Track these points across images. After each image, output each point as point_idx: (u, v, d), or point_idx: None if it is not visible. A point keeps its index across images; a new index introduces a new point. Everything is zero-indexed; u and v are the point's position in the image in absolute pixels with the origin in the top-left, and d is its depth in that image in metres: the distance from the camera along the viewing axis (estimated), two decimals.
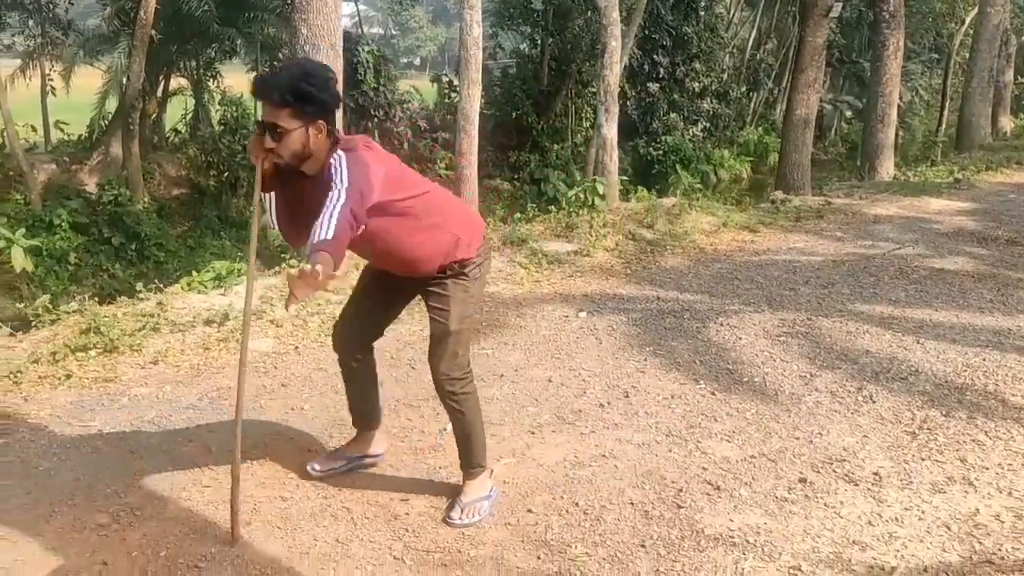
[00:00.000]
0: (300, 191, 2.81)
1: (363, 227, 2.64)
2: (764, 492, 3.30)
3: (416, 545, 2.93)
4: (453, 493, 3.22)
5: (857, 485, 3.34)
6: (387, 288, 3.16)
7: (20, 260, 5.90)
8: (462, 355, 3.06)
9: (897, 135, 16.27)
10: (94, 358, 4.48)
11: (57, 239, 13.48)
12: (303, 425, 3.85)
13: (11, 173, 15.05)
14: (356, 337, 3.28)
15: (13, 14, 18.59)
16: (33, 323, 5.10)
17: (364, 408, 3.42)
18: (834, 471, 3.46)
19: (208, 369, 4.51)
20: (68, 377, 4.24)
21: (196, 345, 4.78)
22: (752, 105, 25.96)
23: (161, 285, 5.78)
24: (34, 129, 18.54)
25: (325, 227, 2.47)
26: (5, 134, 15.30)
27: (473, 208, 3.09)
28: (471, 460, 3.16)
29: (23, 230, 6.25)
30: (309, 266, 2.28)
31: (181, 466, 3.40)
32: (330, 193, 2.56)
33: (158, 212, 16.03)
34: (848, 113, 25.85)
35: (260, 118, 2.74)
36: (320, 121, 2.68)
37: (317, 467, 3.37)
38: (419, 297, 3.16)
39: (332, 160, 2.68)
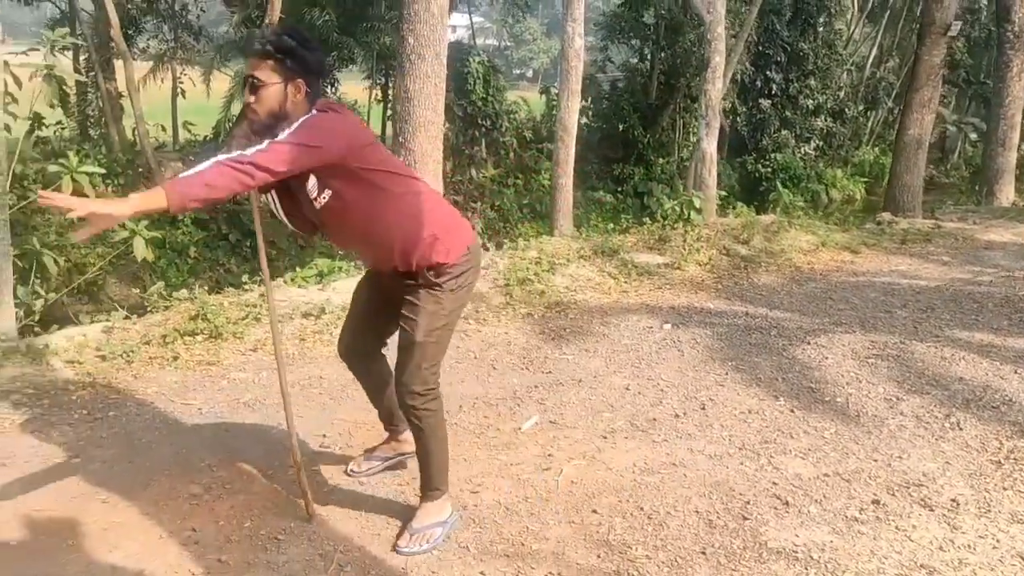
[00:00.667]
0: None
1: (323, 195, 2.64)
2: (834, 511, 3.27)
3: (482, 536, 3.04)
4: (520, 488, 3.33)
5: (932, 510, 3.28)
6: (382, 296, 3.08)
7: (141, 250, 6.30)
8: (427, 369, 2.90)
9: (1020, 159, 15.50)
10: (200, 343, 4.79)
11: (179, 233, 14.30)
12: None
13: (140, 170, 16.01)
14: (359, 348, 3.22)
15: (148, 19, 19.81)
16: (148, 308, 5.47)
17: (388, 409, 3.35)
18: (910, 495, 3.39)
19: (302, 358, 4.75)
20: (175, 359, 4.55)
21: (293, 335, 5.04)
22: (870, 124, 25.17)
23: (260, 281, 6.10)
24: (164, 129, 19.67)
25: (209, 162, 2.43)
26: (136, 132, 16.32)
27: (462, 218, 3.04)
28: (429, 482, 3.04)
29: (146, 222, 6.66)
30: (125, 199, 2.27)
31: (270, 446, 3.62)
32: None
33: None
34: (973, 135, 24.74)
35: (245, 72, 2.71)
36: (300, 80, 2.63)
37: (354, 468, 3.40)
38: None
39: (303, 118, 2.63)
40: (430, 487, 3.04)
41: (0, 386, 4.12)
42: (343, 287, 5.75)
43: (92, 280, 12.43)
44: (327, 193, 2.70)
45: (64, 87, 7.86)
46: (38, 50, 8.88)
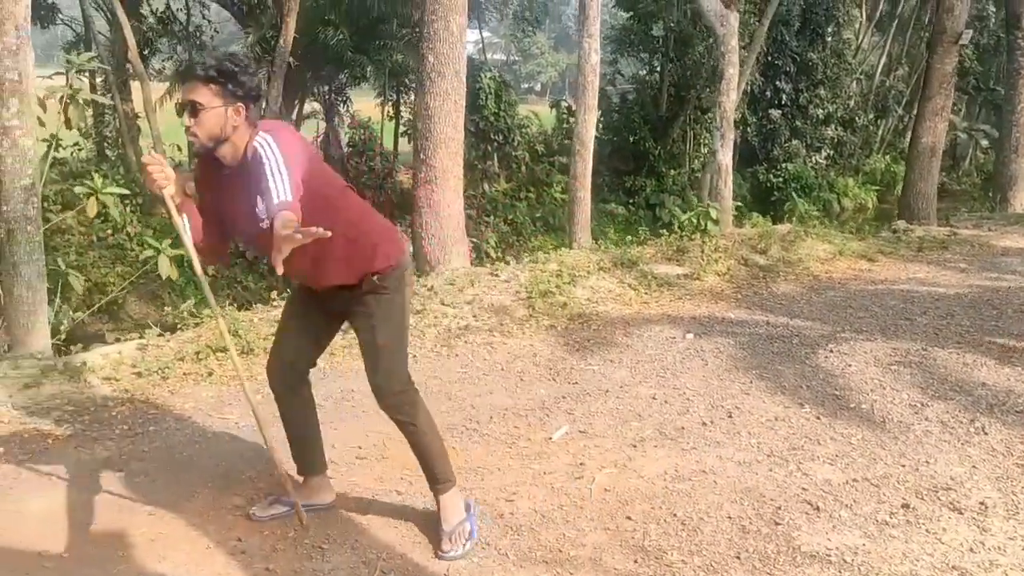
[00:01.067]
0: (219, 190, 2.80)
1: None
2: (865, 515, 3.32)
3: (520, 543, 3.11)
4: (554, 496, 3.39)
5: (962, 513, 3.32)
6: (314, 313, 3.07)
7: (166, 268, 6.39)
8: (398, 368, 2.97)
9: None
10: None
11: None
12: None
13: None
14: (288, 366, 3.17)
15: (163, 40, 20.06)
16: (178, 326, 5.57)
17: (306, 453, 3.28)
18: (938, 499, 3.44)
19: (333, 372, 4.83)
20: (210, 374, 4.64)
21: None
22: (880, 133, 25.23)
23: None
24: (179, 148, 19.87)
25: (280, 189, 2.47)
26: (153, 153, 16.48)
27: (386, 220, 3.06)
28: (435, 475, 3.06)
29: (169, 241, 6.78)
30: (284, 229, 2.31)
31: None
32: (264, 168, 2.53)
33: None
34: (984, 142, 24.79)
35: (182, 98, 2.71)
36: (240, 104, 2.67)
37: (258, 513, 3.21)
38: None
39: (257, 142, 2.62)
40: (438, 481, 3.08)
41: (41, 403, 4.21)
42: None
43: (112, 299, 12.59)
44: None
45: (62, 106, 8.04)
46: (62, 73, 9.03)
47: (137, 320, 13.74)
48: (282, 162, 2.54)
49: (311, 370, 3.24)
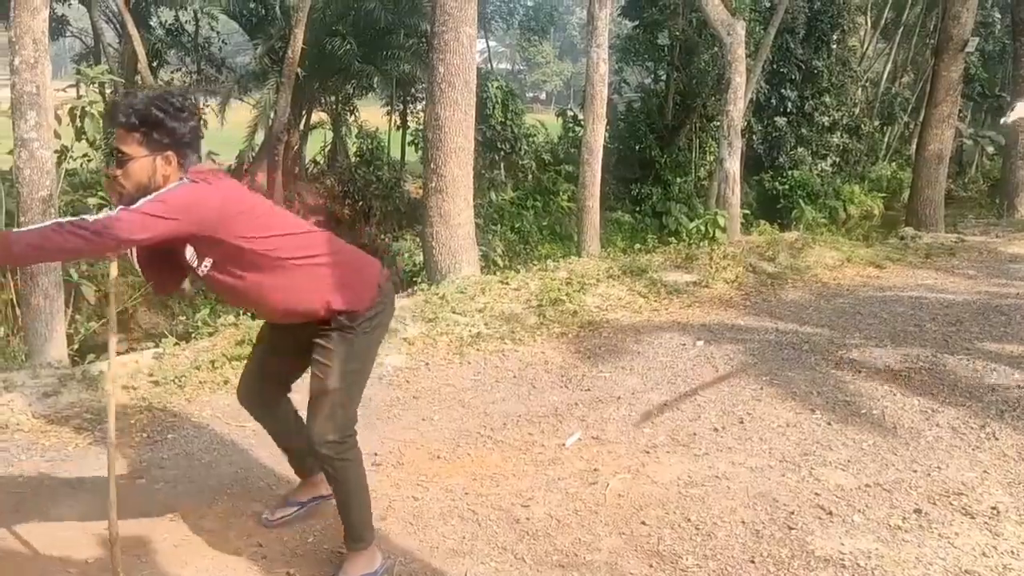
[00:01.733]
0: None
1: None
2: (877, 520, 3.35)
3: (536, 547, 3.15)
4: (568, 501, 3.43)
5: (974, 518, 3.35)
6: (284, 341, 2.97)
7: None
8: (342, 417, 2.77)
9: None
10: None
11: None
12: (433, 434, 4.15)
13: None
14: (258, 393, 3.13)
15: (171, 52, 20.22)
16: (193, 335, 5.63)
17: (299, 460, 3.28)
18: (951, 504, 3.47)
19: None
20: (225, 383, 4.69)
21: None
22: (886, 140, 25.26)
23: None
24: None
25: (49, 222, 2.38)
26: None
27: (368, 257, 2.95)
28: (351, 532, 2.89)
29: None
30: None
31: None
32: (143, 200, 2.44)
33: None
34: (990, 149, 24.78)
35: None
36: (169, 152, 2.54)
37: (270, 517, 3.23)
38: None
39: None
40: (352, 539, 2.88)
41: (60, 411, 4.27)
42: None
43: (122, 309, 12.67)
44: (208, 262, 2.62)
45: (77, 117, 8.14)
46: (74, 85, 9.12)
47: (147, 329, 13.86)
48: (141, 204, 2.42)
49: (287, 392, 3.16)
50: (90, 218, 2.41)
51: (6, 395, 4.34)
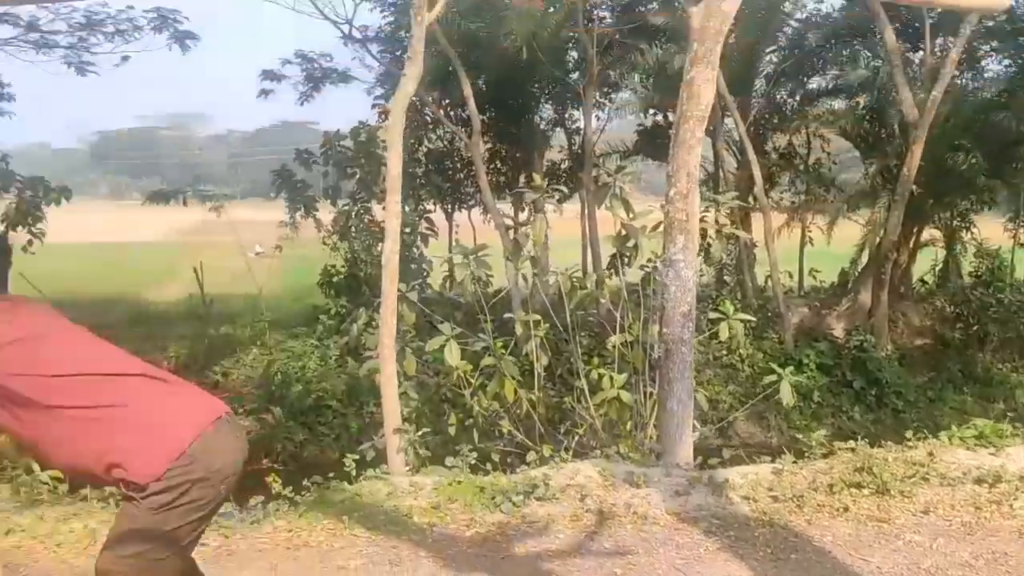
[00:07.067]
0: None
1: None
2: None
3: None
4: None
5: None
6: None
7: (788, 395, 6.59)
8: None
9: None
10: (866, 496, 4.74)
11: (804, 377, 14.58)
12: None
13: (770, 314, 16.90)
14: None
15: (785, 175, 21.18)
16: (806, 454, 5.63)
17: None
18: None
19: (981, 529, 4.39)
20: (845, 510, 4.56)
21: (965, 502, 4.69)
22: None
23: (928, 435, 5.83)
24: (790, 276, 20.60)
25: None
26: (769, 278, 17.45)
27: (188, 416, 2.31)
28: None
29: (791, 367, 7.02)
30: None
31: None
32: None
33: (899, 360, 16.31)
34: None
35: None
36: None
37: None
38: None
39: None
40: None
41: (689, 512, 4.59)
42: (1019, 454, 5.26)
43: (722, 416, 13.37)
44: None
45: (708, 239, 8.86)
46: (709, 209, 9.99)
47: (744, 439, 14.30)
48: None
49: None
50: None
51: (645, 489, 4.83)
